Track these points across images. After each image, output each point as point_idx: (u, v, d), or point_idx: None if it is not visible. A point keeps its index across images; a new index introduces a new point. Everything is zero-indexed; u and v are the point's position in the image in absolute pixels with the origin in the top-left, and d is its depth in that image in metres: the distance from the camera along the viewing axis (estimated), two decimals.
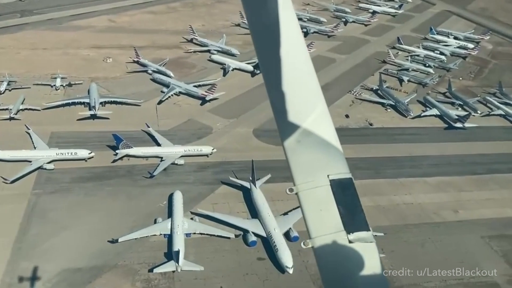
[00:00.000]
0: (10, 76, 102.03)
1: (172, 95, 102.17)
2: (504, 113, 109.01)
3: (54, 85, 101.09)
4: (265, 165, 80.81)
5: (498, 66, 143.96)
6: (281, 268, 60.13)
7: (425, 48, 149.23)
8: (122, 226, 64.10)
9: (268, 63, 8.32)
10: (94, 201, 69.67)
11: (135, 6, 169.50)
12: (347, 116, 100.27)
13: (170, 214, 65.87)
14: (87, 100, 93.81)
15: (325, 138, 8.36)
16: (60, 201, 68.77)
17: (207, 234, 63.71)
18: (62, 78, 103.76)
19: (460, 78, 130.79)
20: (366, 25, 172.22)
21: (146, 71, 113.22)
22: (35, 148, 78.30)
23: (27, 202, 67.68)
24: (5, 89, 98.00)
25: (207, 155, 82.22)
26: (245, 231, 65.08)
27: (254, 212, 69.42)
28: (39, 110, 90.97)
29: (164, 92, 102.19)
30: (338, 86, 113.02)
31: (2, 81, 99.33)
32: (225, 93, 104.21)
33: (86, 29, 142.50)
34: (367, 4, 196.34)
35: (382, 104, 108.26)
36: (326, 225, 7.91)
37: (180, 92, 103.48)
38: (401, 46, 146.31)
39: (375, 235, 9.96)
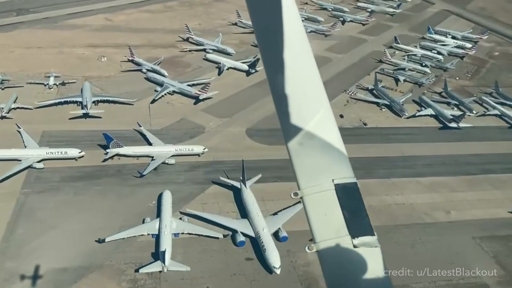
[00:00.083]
0: (3, 75, 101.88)
1: (165, 94, 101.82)
2: (500, 113, 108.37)
3: (47, 84, 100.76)
4: (257, 165, 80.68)
5: (495, 65, 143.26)
6: (269, 268, 59.69)
7: (422, 47, 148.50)
8: (111, 225, 63.71)
9: (272, 64, 8.34)
10: (83, 200, 69.34)
11: (132, 5, 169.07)
12: (341, 116, 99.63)
13: (158, 214, 65.52)
14: (79, 99, 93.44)
15: (329, 141, 8.36)
16: (49, 200, 68.46)
17: (195, 234, 63.34)
18: (55, 77, 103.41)
19: (457, 78, 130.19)
20: (363, 25, 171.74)
21: (140, 70, 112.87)
22: (25, 147, 77.94)
23: (15, 201, 67.32)
24: None
25: (198, 155, 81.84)
26: (234, 231, 64.69)
27: (244, 212, 68.99)
28: (31, 109, 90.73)
29: (157, 91, 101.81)
30: (333, 86, 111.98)
31: None
32: (219, 92, 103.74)
33: (82, 28, 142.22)
34: (366, 3, 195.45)
35: (377, 104, 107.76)
36: (330, 229, 7.96)
37: (173, 91, 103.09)
38: (398, 45, 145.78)
39: None
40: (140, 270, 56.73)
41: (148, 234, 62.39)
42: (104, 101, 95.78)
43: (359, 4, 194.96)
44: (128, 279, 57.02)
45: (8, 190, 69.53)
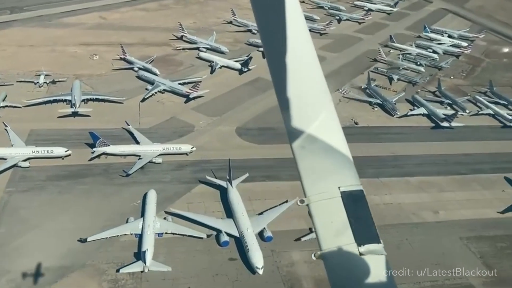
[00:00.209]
0: None
1: (156, 92, 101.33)
2: (493, 113, 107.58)
3: (38, 82, 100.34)
4: (245, 164, 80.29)
5: (491, 64, 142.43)
6: (252, 268, 59.15)
7: (418, 46, 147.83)
8: (94, 225, 63.18)
9: (276, 65, 8.33)
10: (67, 199, 68.89)
11: (127, 3, 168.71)
12: None
13: (143, 214, 65.04)
14: (69, 98, 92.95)
15: (333, 145, 8.36)
16: (33, 199, 68.03)
17: (179, 234, 62.86)
18: (46, 75, 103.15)
19: (452, 77, 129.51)
20: (360, 23, 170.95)
21: (132, 69, 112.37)
22: (12, 145, 77.49)
23: None
24: None
25: (186, 154, 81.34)
26: (218, 231, 64.16)
27: (229, 212, 68.47)
28: (20, 108, 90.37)
29: (148, 90, 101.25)
30: (327, 84, 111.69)
31: None
32: (211, 91, 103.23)
33: (75, 26, 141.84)
34: (363, 2, 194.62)
35: (369, 103, 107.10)
36: (337, 237, 7.97)
37: (164, 90, 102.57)
38: (393, 44, 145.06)
39: None
40: (121, 270, 56.32)
41: (131, 234, 61.96)
42: (93, 100, 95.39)
43: (356, 2, 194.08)
44: (109, 279, 56.58)
45: None
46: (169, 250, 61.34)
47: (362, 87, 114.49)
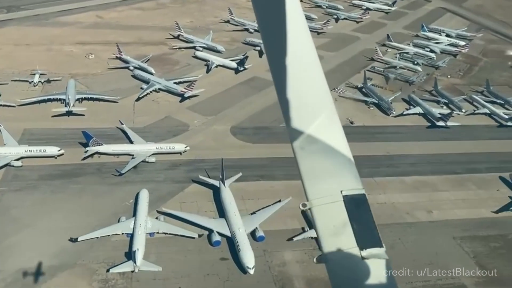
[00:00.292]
0: None
1: (151, 91, 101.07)
2: (489, 112, 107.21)
3: (32, 81, 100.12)
4: (239, 163, 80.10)
5: (488, 64, 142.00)
6: (244, 268, 58.92)
7: (415, 45, 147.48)
8: (86, 224, 62.86)
9: (277, 65, 8.28)
10: (60, 199, 68.65)
11: (125, 2, 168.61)
12: None
13: (134, 213, 64.83)
14: (63, 97, 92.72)
15: (334, 146, 8.37)
16: (25, 198, 67.81)
17: (170, 234, 62.62)
18: (41, 74, 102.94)
19: (449, 76, 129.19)
20: (358, 22, 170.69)
21: (127, 68, 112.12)
22: (4, 145, 77.22)
23: None
24: None
25: (180, 153, 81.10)
26: (210, 231, 63.90)
27: (222, 211, 68.21)
28: (14, 107, 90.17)
29: (143, 89, 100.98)
30: None
31: None
32: (206, 90, 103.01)
33: (72, 25, 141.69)
34: (361, 1, 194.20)
35: (365, 102, 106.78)
36: (339, 241, 7.98)
37: (159, 89, 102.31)
38: (390, 43, 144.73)
39: None
40: (111, 270, 56.11)
41: (122, 234, 61.72)
42: (88, 99, 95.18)
43: (354, 1, 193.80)
44: (100, 278, 56.32)
45: None
46: (160, 250, 61.02)
47: (358, 86, 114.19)
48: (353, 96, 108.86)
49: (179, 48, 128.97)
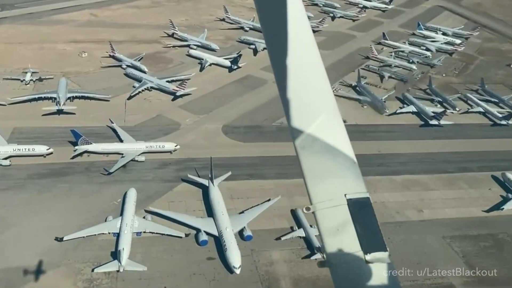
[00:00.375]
0: None
1: (143, 90, 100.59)
2: (483, 110, 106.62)
3: (24, 80, 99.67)
4: (230, 162, 79.70)
5: (484, 62, 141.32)
6: (230, 268, 58.51)
7: (411, 43, 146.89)
8: (73, 224, 62.50)
9: (280, 64, 8.22)
10: (47, 198, 68.24)
11: (120, 0, 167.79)
12: None
13: (122, 212, 64.40)
14: (54, 95, 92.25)
15: (337, 147, 8.30)
16: (12, 198, 67.43)
17: (157, 233, 62.21)
18: (33, 72, 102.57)
19: (444, 75, 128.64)
20: (354, 20, 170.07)
21: (120, 66, 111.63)
22: None
23: None
24: None
25: (170, 152, 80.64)
26: (198, 230, 63.48)
27: (210, 211, 67.78)
28: (5, 105, 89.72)
29: (135, 87, 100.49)
30: None
31: None
32: (199, 89, 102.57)
33: (66, 23, 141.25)
34: None
35: (359, 101, 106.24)
36: (343, 244, 7.95)
37: (151, 87, 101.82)
38: (386, 41, 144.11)
39: None
40: (96, 270, 55.76)
41: (109, 233, 61.29)
42: (80, 97, 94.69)
43: None
44: (84, 278, 55.92)
45: None
46: (147, 249, 60.69)
47: (352, 84, 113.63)
48: (346, 94, 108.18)
49: (173, 46, 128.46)
